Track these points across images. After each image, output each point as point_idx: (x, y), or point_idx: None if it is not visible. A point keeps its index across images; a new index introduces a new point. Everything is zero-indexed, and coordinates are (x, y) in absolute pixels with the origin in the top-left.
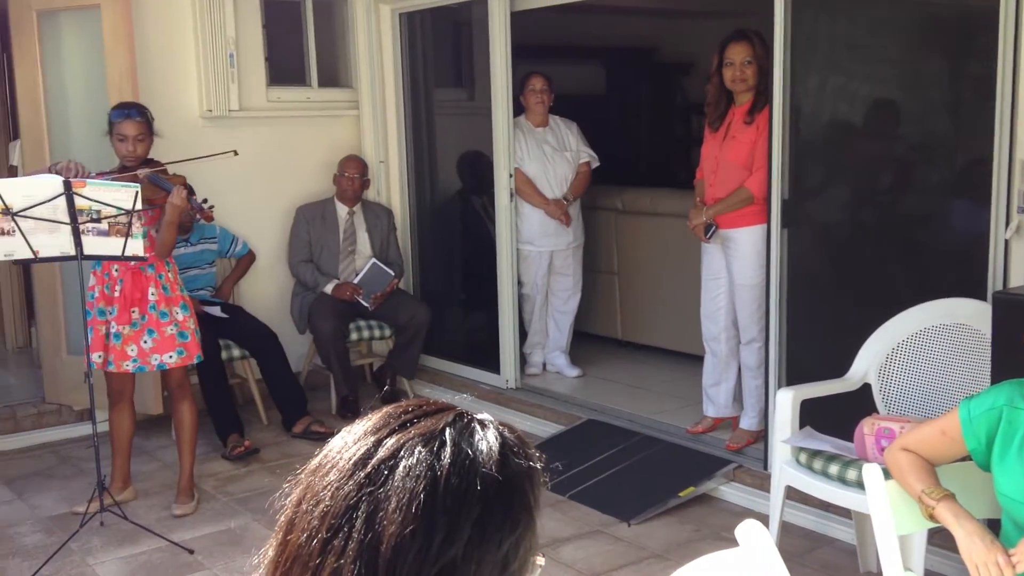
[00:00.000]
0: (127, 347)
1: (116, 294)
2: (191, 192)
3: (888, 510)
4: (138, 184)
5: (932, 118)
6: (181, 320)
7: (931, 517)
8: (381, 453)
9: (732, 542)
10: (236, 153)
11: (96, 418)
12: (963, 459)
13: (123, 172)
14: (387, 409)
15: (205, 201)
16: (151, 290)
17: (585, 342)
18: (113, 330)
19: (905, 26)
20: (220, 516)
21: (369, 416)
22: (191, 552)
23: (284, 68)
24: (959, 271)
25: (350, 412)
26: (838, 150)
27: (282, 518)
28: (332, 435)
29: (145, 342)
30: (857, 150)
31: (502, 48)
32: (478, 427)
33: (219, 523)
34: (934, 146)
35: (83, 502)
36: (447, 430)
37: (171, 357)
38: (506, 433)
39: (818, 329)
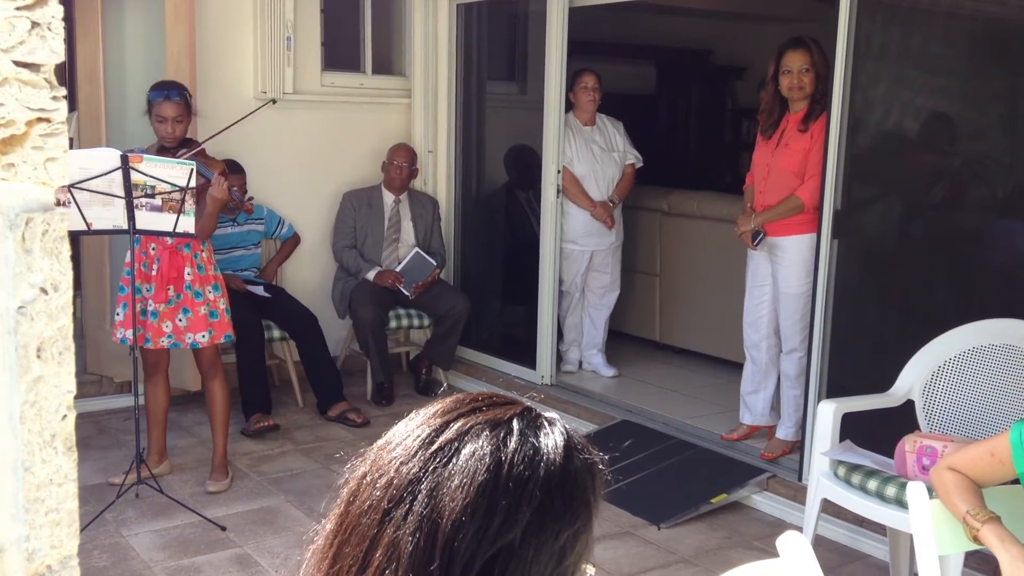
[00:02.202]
0: (163, 324)
1: (153, 272)
2: (227, 177)
3: (931, 529)
4: (193, 162)
5: (992, 134)
6: (212, 300)
7: (975, 539)
8: (448, 434)
9: (762, 551)
10: (275, 102)
11: (138, 391)
12: (1011, 482)
13: (161, 152)
14: (457, 395)
15: (245, 193)
16: (187, 270)
17: (622, 343)
18: (150, 308)
19: (969, 39)
20: (253, 495)
21: (439, 400)
22: (223, 529)
23: (339, 53)
24: (1011, 292)
25: (384, 399)
26: (894, 163)
27: (345, 491)
28: (367, 424)
29: (180, 320)
30: (914, 164)
31: (558, 43)
32: (545, 423)
33: (252, 502)
34: (992, 163)
35: (120, 473)
36: (515, 420)
37: (203, 336)
38: (572, 432)
39: (861, 343)
